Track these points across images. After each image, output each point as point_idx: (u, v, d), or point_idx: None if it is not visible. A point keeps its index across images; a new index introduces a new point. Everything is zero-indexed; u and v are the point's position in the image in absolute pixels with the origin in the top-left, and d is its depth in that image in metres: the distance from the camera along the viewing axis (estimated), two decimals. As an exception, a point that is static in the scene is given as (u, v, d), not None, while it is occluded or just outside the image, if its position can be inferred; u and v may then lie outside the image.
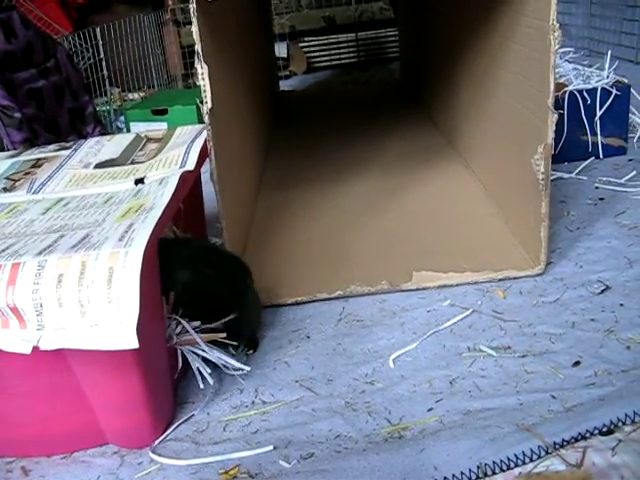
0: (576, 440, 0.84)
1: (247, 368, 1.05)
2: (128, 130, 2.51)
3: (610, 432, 0.85)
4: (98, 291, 0.79)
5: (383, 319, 1.19)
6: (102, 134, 2.20)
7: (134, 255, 0.80)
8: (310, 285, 1.29)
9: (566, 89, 1.81)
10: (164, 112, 2.46)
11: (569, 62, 2.22)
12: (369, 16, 3.81)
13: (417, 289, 1.26)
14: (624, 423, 0.85)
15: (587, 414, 0.87)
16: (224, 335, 1.01)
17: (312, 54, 3.81)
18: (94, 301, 0.78)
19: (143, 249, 0.81)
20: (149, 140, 1.32)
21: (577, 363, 1.01)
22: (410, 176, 1.85)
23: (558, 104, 1.76)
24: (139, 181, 1.09)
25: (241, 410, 1.00)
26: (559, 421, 0.87)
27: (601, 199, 1.60)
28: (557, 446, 0.83)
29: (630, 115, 1.95)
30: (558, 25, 1.10)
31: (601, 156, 1.86)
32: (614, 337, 1.06)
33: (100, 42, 2.70)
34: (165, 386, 0.98)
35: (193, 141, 1.22)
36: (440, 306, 1.21)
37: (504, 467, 0.82)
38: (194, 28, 1.11)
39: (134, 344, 0.77)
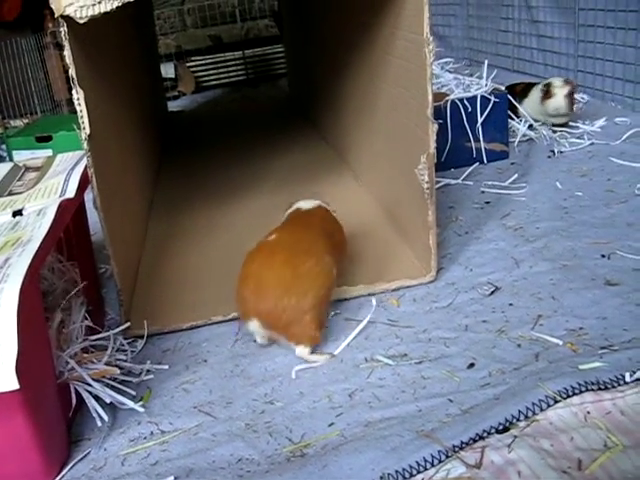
0: (474, 441, 0.85)
1: (141, 410, 1.01)
2: (11, 158, 2.40)
3: (506, 429, 0.87)
4: (-28, 332, 0.74)
5: (280, 337, 1.18)
6: (-19, 164, 2.10)
7: (10, 292, 0.76)
8: (205, 308, 1.26)
9: (447, 98, 1.87)
10: (49, 139, 2.37)
11: (450, 72, 2.30)
12: (255, 33, 3.82)
13: (313, 305, 1.26)
14: (518, 419, 0.88)
15: (483, 414, 0.89)
16: (116, 371, 0.98)
17: (200, 73, 3.78)
18: (-32, 343, 0.74)
19: (19, 285, 0.77)
20: (28, 169, 1.27)
21: (472, 365, 1.04)
22: (302, 190, 1.84)
23: (441, 113, 1.81)
24: (17, 213, 1.04)
25: (139, 442, 0.97)
26: (457, 424, 0.89)
27: (487, 203, 1.66)
28: (457, 449, 0.85)
29: (509, 121, 2.04)
30: (432, 38, 1.13)
31: (485, 161, 1.93)
32: (505, 336, 1.10)
33: (-25, 67, 2.59)
34: (57, 425, 0.94)
35: (73, 168, 1.18)
36: (336, 320, 1.21)
37: (406, 475, 0.83)
38: (67, 52, 1.07)
39: (14, 385, 0.74)
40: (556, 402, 0.89)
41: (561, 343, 1.05)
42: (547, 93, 2.07)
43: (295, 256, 1.09)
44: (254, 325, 1.10)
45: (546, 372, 0.96)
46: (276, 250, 1.11)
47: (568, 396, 0.89)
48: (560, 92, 2.05)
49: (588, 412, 0.87)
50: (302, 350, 1.09)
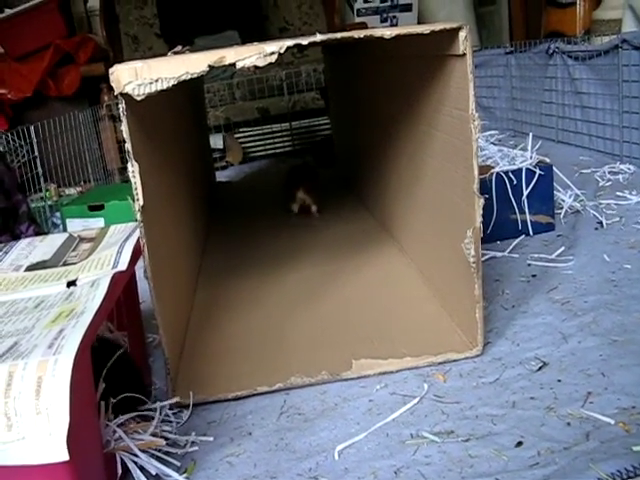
0: (523, 524, 0.83)
1: None
2: (64, 226, 2.48)
3: (556, 513, 0.84)
4: (26, 402, 0.76)
5: (325, 411, 1.17)
6: (37, 232, 2.17)
7: (64, 363, 0.78)
8: (250, 379, 1.26)
9: (492, 171, 1.88)
10: (101, 208, 2.44)
11: (494, 144, 2.32)
12: (302, 106, 3.91)
13: (358, 377, 1.25)
14: (568, 503, 0.85)
15: (533, 496, 0.87)
16: (163, 443, 0.99)
17: (248, 144, 3.87)
18: (22, 413, 0.76)
19: (73, 356, 0.79)
20: (82, 240, 1.31)
21: (520, 443, 1.01)
22: (346, 262, 1.86)
23: (486, 186, 1.82)
24: (71, 283, 1.07)
25: (182, 516, 0.97)
26: (505, 505, 0.87)
27: (533, 276, 1.64)
28: (505, 532, 0.83)
29: (555, 192, 2.03)
30: (477, 114, 1.15)
31: (531, 233, 1.92)
32: (554, 414, 1.07)
33: (34, 140, 2.70)
34: (102, 495, 0.94)
35: (126, 240, 1.21)
36: (381, 394, 1.20)
37: None
38: (124, 127, 1.11)
39: (64, 456, 0.75)
40: (609, 485, 0.86)
41: (613, 422, 1.02)
42: None
43: (311, 176, 2.43)
44: (300, 192, 2.33)
45: (598, 453, 0.93)
46: (302, 174, 2.42)
47: (622, 479, 0.87)
48: None
49: (643, 497, 0.85)
50: (315, 208, 2.37)
